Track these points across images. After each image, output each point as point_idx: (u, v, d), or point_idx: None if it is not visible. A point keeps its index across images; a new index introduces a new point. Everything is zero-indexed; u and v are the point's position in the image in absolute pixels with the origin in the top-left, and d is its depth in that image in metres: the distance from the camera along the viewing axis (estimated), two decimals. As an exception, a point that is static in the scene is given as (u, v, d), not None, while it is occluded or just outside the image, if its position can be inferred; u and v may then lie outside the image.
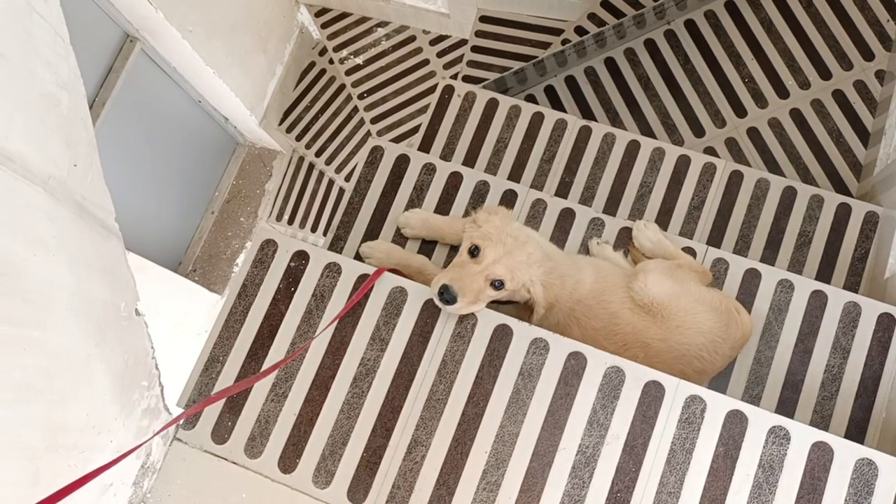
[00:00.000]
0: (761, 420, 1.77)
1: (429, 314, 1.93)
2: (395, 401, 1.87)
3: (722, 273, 2.31)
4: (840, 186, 3.06)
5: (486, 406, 1.84)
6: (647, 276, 2.09)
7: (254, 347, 1.95)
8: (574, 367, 1.85)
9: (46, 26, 1.44)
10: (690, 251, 2.34)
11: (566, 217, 2.41)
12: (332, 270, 1.99)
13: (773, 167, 3.12)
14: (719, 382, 2.21)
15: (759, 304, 2.26)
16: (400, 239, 2.40)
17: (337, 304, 1.96)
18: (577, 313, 2.06)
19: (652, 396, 1.81)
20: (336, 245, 2.41)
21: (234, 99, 3.56)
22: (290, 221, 4.23)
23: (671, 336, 2.04)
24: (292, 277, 2.00)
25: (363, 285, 1.91)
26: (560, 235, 2.39)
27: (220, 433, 1.88)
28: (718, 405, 1.79)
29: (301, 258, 2.01)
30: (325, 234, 4.10)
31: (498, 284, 1.91)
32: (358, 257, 2.35)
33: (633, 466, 1.77)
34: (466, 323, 1.92)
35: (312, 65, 4.21)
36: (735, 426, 1.77)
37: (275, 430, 1.87)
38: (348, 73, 4.03)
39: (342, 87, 4.11)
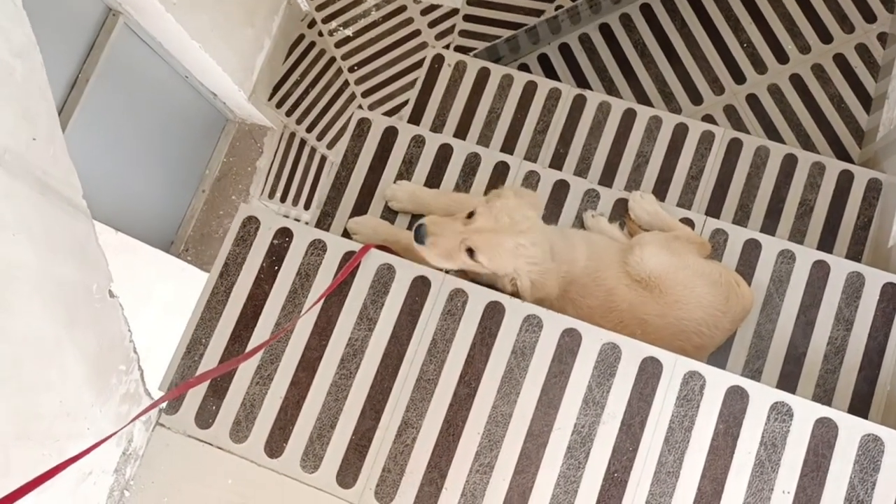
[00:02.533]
0: (763, 396, 1.71)
1: (418, 292, 1.86)
2: (384, 382, 1.81)
3: (721, 244, 2.24)
4: (841, 153, 2.99)
5: (478, 386, 1.78)
6: (644, 249, 2.02)
7: (237, 329, 1.88)
8: (569, 345, 1.78)
9: (-6, -11, 1.35)
10: (689, 222, 2.26)
11: (560, 189, 2.33)
12: (317, 248, 1.92)
13: (773, 134, 3.04)
14: (719, 357, 2.15)
15: (760, 275, 2.19)
16: (389, 214, 2.32)
17: (322, 282, 1.89)
18: (572, 293, 1.99)
19: (649, 373, 1.75)
20: (323, 221, 2.34)
21: (222, 74, 3.47)
22: (283, 199, 4.17)
23: (669, 311, 1.97)
24: (276, 255, 1.92)
25: (349, 263, 1.84)
26: (554, 208, 2.32)
27: (204, 417, 1.82)
28: (718, 381, 1.73)
29: (284, 235, 1.94)
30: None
31: (472, 254, 1.83)
32: (346, 234, 2.28)
33: (631, 446, 1.71)
34: (457, 300, 1.85)
35: (301, 37, 4.09)
36: (735, 403, 1.71)
37: (260, 413, 1.81)
38: (338, 45, 3.92)
39: (332, 59, 4.01)
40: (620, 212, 2.31)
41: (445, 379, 1.79)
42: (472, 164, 2.37)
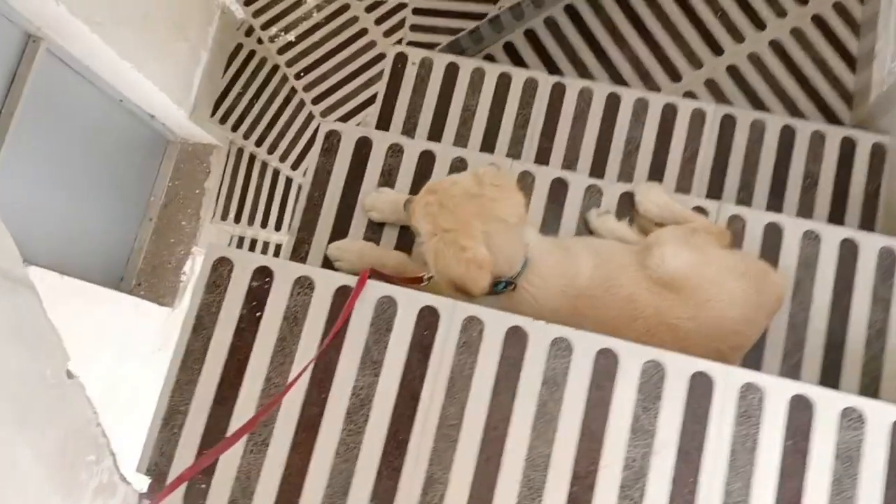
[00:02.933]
0: (830, 403, 1.52)
1: (426, 324, 1.63)
2: (399, 433, 1.57)
3: (739, 231, 2.05)
4: (832, 118, 2.84)
5: (508, 426, 1.55)
6: (663, 248, 1.82)
7: (221, 390, 1.62)
8: (605, 367, 1.57)
9: None
10: (702, 211, 2.07)
11: (558, 188, 2.12)
12: (304, 286, 1.67)
13: (759, 105, 2.88)
14: (752, 354, 1.95)
15: (786, 261, 2.01)
16: (373, 235, 2.08)
17: (314, 326, 1.64)
18: (583, 309, 1.77)
19: (700, 390, 1.54)
20: (300, 250, 2.08)
21: (159, 93, 3.28)
22: (237, 219, 3.98)
23: (701, 312, 1.77)
24: (256, 300, 1.66)
25: (349, 300, 1.59)
26: (554, 209, 2.10)
27: (194, 499, 1.56)
28: (778, 391, 1.53)
29: (264, 276, 1.68)
30: (276, 228, 3.81)
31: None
32: (327, 262, 2.03)
33: (690, 476, 1.50)
34: (472, 329, 1.61)
35: (240, 47, 3.87)
36: (800, 414, 1.52)
37: (259, 487, 1.55)
38: (280, 51, 3.69)
39: (276, 67, 3.81)
40: (627, 207, 2.10)
41: (470, 422, 1.56)
42: (457, 169, 2.14)
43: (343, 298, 1.65)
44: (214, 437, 1.59)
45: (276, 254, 3.81)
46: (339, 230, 2.09)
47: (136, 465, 1.60)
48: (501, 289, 1.73)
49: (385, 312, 1.63)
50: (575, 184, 2.10)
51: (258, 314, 1.65)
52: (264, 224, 3.90)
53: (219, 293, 1.67)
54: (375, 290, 1.65)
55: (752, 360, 1.95)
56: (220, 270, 1.68)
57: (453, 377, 1.59)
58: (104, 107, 3.25)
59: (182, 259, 3.78)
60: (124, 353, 3.13)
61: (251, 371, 1.62)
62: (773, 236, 2.03)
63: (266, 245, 3.93)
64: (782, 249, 2.02)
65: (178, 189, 3.90)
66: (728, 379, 1.54)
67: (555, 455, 1.53)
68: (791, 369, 1.95)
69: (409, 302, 1.64)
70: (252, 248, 3.99)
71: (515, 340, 1.60)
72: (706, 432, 1.52)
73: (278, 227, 3.78)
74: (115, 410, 2.70)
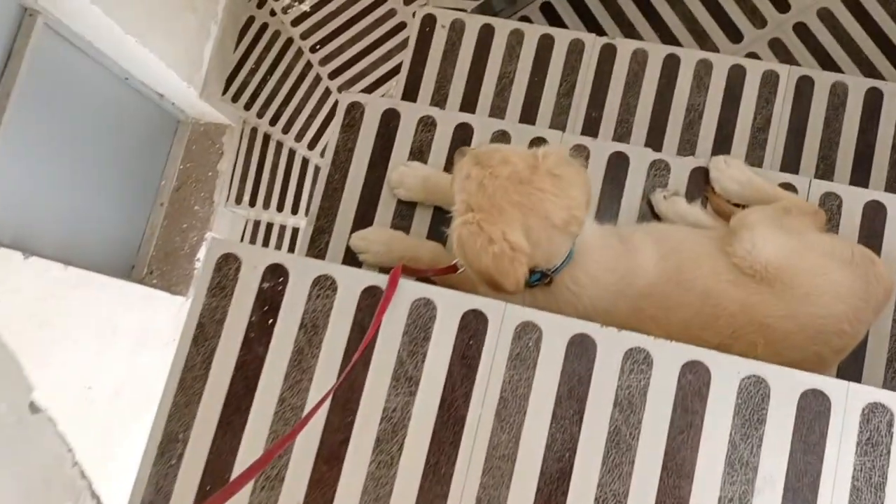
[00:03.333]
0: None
1: (471, 332, 1.34)
2: (440, 466, 1.29)
3: (835, 211, 1.75)
4: (913, 78, 2.52)
5: (573, 457, 1.27)
6: (754, 232, 1.52)
7: (226, 414, 1.35)
8: (693, 384, 1.28)
9: None
10: (789, 188, 1.77)
11: (617, 165, 1.82)
12: (324, 286, 1.39)
13: (831, 67, 2.57)
14: (847, 359, 1.66)
15: (890, 247, 1.70)
16: (402, 222, 1.80)
17: (338, 335, 1.36)
18: (649, 310, 1.48)
19: (813, 412, 1.25)
20: (318, 241, 1.80)
21: (166, 70, 3.10)
22: (252, 203, 3.83)
23: (801, 308, 1.47)
24: (268, 304, 1.39)
25: (379, 306, 1.31)
26: (613, 190, 1.80)
27: (196, 545, 1.30)
28: (910, 413, 1.24)
29: (277, 275, 1.40)
30: (293, 212, 3.60)
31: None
32: (349, 254, 1.75)
33: (803, 520, 1.22)
34: (527, 338, 1.33)
35: (252, 20, 3.63)
36: (940, 441, 1.23)
37: (274, 531, 1.29)
38: (294, 23, 3.47)
39: (290, 40, 3.54)
40: (698, 187, 1.80)
41: (526, 452, 1.28)
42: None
43: (372, 301, 1.37)
44: (219, 469, 1.33)
45: (294, 239, 3.60)
46: (364, 217, 1.81)
47: (128, 500, 1.34)
48: (535, 280, 1.43)
49: (421, 318, 1.35)
50: (637, 159, 1.81)
51: (271, 321, 1.38)
52: (280, 208, 3.72)
53: (224, 297, 1.40)
54: (409, 290, 1.37)
55: (848, 365, 1.65)
56: (226, 269, 1.41)
57: (505, 398, 1.31)
58: (108, 85, 3.10)
59: (196, 245, 3.65)
60: (137, 348, 2.98)
61: (262, 390, 1.35)
62: (874, 217, 1.73)
63: (283, 229, 3.74)
64: (886, 233, 1.71)
65: (189, 172, 3.77)
66: (848, 397, 1.25)
67: (633, 493, 1.25)
68: (897, 376, 1.65)
69: (450, 305, 1.36)
70: (268, 232, 3.83)
71: (580, 351, 1.31)
72: (822, 466, 1.23)
73: (295, 211, 3.57)
74: (124, 416, 2.51)
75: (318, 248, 1.80)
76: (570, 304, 1.46)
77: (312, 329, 1.37)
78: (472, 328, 1.35)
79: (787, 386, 1.26)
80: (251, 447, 1.33)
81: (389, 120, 1.85)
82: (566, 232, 1.39)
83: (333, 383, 1.29)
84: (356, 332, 1.36)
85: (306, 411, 1.34)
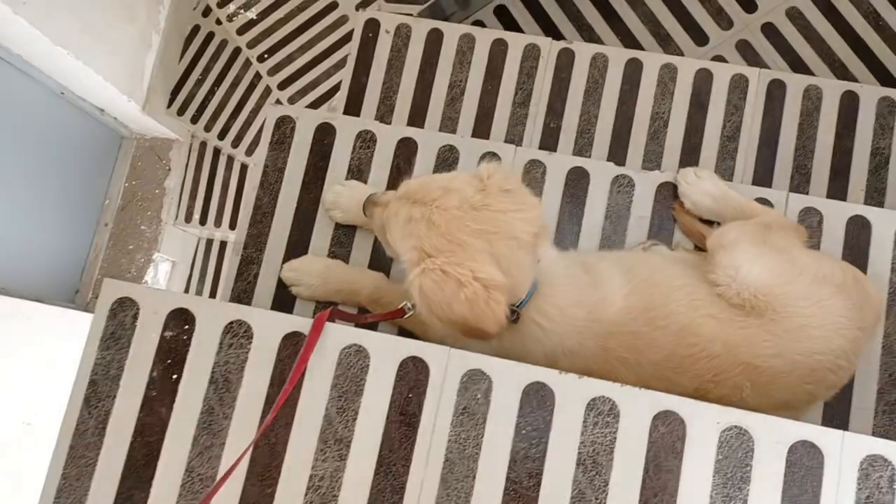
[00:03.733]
0: None
1: (410, 384, 1.16)
2: (377, 543, 1.10)
3: (815, 227, 1.59)
4: (888, 80, 2.40)
5: (531, 528, 1.09)
6: (733, 254, 1.35)
7: (125, 487, 1.15)
8: (667, 439, 1.10)
9: None
10: (764, 203, 1.61)
11: (576, 181, 1.65)
12: (238, 334, 1.19)
13: (802, 70, 2.44)
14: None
15: (876, 266, 1.55)
16: (340, 248, 1.61)
17: (254, 391, 1.17)
18: (615, 350, 1.29)
19: (804, 467, 1.08)
20: (246, 273, 1.60)
21: (104, 83, 2.94)
22: (203, 221, 3.66)
23: (792, 344, 1.29)
24: (172, 356, 1.19)
25: (300, 355, 1.12)
26: (573, 209, 1.63)
27: None
28: (914, 465, 1.08)
29: (182, 321, 1.20)
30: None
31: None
32: (281, 286, 1.56)
33: None
34: (475, 389, 1.14)
35: (197, 29, 3.48)
36: (950, 497, 1.06)
37: None
38: (241, 31, 3.30)
39: (237, 50, 3.37)
40: (666, 203, 1.64)
41: (477, 523, 1.10)
42: (445, 160, 1.68)
43: (294, 350, 1.18)
44: (116, 555, 1.12)
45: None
46: (298, 245, 1.62)
47: None
48: None
49: (352, 368, 1.16)
50: (599, 175, 1.64)
51: (175, 377, 1.18)
52: (232, 225, 3.54)
53: (119, 349, 1.19)
54: (337, 336, 1.18)
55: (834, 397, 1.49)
56: (121, 316, 1.21)
57: (451, 459, 1.12)
58: (44, 101, 2.94)
59: (143, 267, 3.52)
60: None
61: (167, 458, 1.15)
62: (858, 233, 1.57)
63: (234, 250, 3.56)
64: (871, 250, 1.56)
65: (135, 190, 3.62)
66: (843, 450, 1.08)
67: (601, 570, 1.07)
68: (889, 408, 1.49)
69: (386, 352, 1.17)
70: (221, 252, 3.66)
71: (537, 403, 1.13)
72: (817, 530, 1.06)
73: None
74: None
75: (245, 281, 1.60)
76: (538, 341, 1.27)
77: (224, 385, 1.17)
78: (412, 379, 1.16)
79: (773, 438, 1.09)
80: (154, 527, 1.13)
81: (323, 136, 1.66)
82: (534, 253, 1.22)
83: (246, 447, 1.09)
84: (276, 387, 1.16)
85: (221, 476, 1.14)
